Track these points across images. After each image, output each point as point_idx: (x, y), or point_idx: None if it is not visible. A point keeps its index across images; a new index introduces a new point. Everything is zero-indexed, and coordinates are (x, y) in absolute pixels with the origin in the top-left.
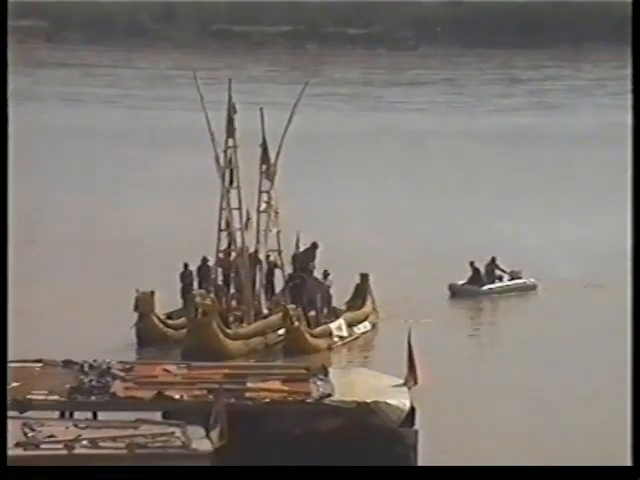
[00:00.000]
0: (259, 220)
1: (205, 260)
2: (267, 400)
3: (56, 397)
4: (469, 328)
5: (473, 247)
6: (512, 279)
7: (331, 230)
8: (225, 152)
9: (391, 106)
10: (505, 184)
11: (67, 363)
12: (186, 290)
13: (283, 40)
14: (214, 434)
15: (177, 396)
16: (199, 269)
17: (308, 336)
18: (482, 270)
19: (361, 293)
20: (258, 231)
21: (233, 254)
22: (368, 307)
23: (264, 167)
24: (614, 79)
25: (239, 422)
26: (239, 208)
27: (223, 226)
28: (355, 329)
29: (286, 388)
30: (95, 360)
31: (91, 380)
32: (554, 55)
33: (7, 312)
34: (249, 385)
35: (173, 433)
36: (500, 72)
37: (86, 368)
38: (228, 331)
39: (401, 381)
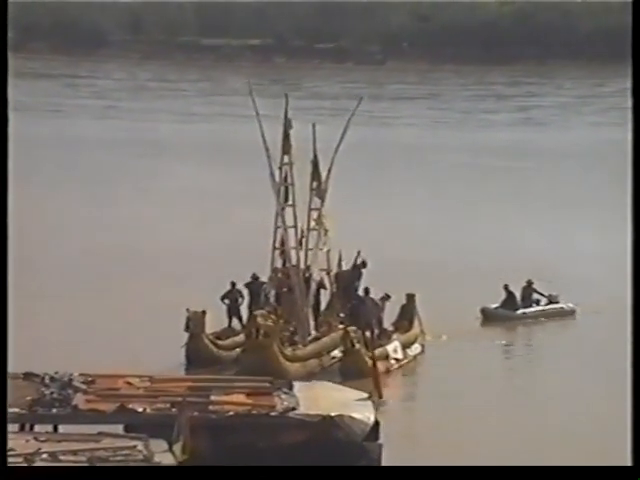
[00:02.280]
0: (308, 239)
1: (255, 277)
2: (231, 413)
3: (16, 410)
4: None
5: (509, 268)
6: (549, 303)
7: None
8: (280, 169)
9: (381, 120)
10: (546, 198)
11: (28, 375)
12: (232, 309)
13: (251, 53)
14: (177, 447)
15: (140, 409)
16: (248, 286)
17: (368, 359)
18: (518, 293)
19: (408, 314)
20: (306, 250)
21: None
22: (416, 328)
23: (314, 184)
24: (599, 96)
25: (203, 435)
26: (294, 226)
27: (277, 244)
28: (408, 351)
29: (250, 401)
30: (56, 372)
31: (52, 392)
32: (526, 71)
33: (7, 313)
34: (213, 398)
35: (135, 446)
36: (480, 88)
37: (47, 380)
38: (287, 353)
39: (366, 395)
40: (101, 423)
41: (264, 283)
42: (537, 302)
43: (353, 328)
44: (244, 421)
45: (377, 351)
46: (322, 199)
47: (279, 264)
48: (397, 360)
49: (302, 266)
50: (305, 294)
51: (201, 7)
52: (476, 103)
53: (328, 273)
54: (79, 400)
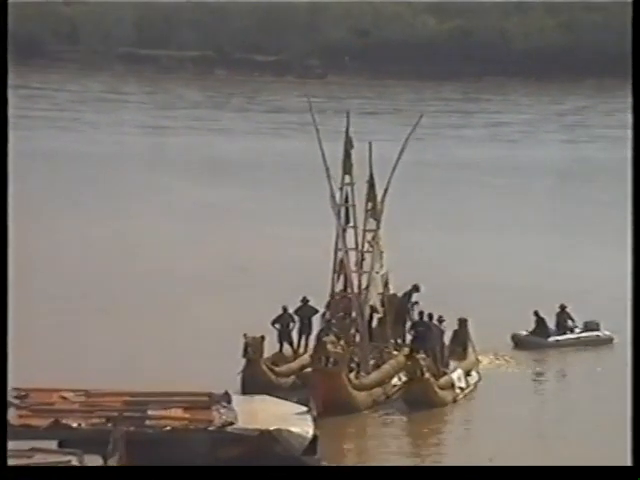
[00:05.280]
0: (362, 261)
1: (306, 301)
2: (168, 428)
3: None
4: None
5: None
6: (586, 330)
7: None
8: (341, 189)
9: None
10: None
11: None
12: (283, 334)
13: (191, 65)
14: (112, 462)
15: (74, 424)
16: (297, 311)
17: (437, 388)
18: (552, 320)
19: (461, 339)
20: (360, 274)
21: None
22: (471, 355)
23: (370, 205)
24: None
25: (139, 450)
26: (356, 248)
27: (337, 267)
28: (470, 379)
29: (188, 416)
30: None
31: None
32: (475, 88)
33: (7, 314)
34: (150, 413)
35: (69, 462)
36: (439, 103)
37: None
38: (355, 382)
39: (305, 409)
40: (34, 439)
41: (313, 307)
42: (572, 329)
43: (422, 355)
44: (181, 436)
45: (443, 380)
46: (378, 220)
47: (337, 288)
48: (461, 389)
49: (358, 290)
50: (367, 320)
51: (140, 18)
52: (440, 119)
53: (383, 297)
54: (11, 415)
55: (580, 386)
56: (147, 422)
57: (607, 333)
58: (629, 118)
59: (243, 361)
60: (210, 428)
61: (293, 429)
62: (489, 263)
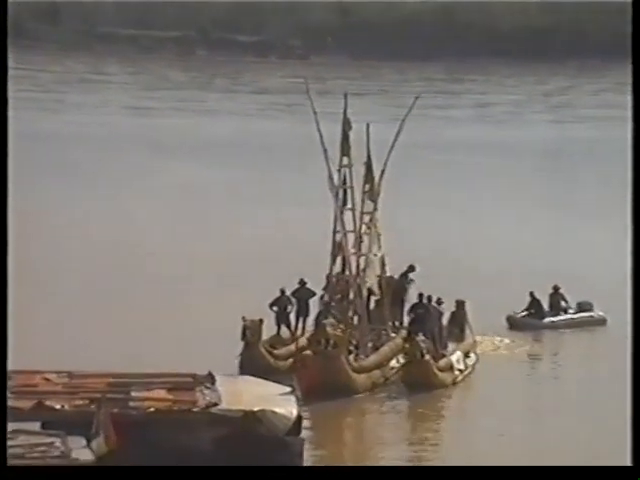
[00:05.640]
0: (361, 244)
1: (303, 283)
2: (152, 409)
3: None
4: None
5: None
6: (580, 311)
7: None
8: (339, 171)
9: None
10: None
11: None
12: (281, 317)
13: (172, 45)
14: (95, 444)
15: (58, 406)
16: (294, 294)
17: (436, 370)
18: (545, 301)
19: (458, 321)
20: (358, 256)
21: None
22: (469, 337)
23: (367, 187)
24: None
25: (123, 431)
26: (354, 230)
27: (336, 249)
28: (468, 361)
29: (171, 397)
30: None
31: None
32: (461, 68)
33: (7, 314)
34: (133, 394)
35: (52, 443)
36: (424, 84)
37: None
38: (354, 364)
39: (288, 389)
40: (18, 421)
41: (310, 290)
42: (565, 310)
43: (422, 338)
44: (165, 417)
45: (442, 362)
46: (375, 202)
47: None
48: (460, 371)
49: (356, 272)
50: (365, 302)
51: None
52: (426, 100)
53: (380, 279)
54: None
55: (577, 367)
56: (130, 404)
57: (600, 314)
58: (614, 98)
59: (241, 344)
60: (194, 409)
61: (277, 410)
62: (477, 244)
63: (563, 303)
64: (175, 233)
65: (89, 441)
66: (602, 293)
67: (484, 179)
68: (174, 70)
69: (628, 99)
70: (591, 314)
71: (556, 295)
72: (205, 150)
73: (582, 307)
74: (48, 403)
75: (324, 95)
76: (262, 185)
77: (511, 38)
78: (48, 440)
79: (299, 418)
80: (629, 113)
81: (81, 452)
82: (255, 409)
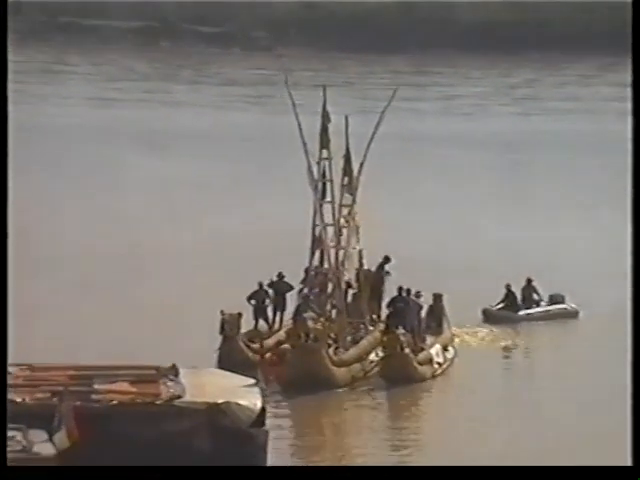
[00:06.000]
0: (340, 237)
1: (281, 277)
2: (115, 402)
3: None
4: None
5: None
6: (552, 304)
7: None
8: (319, 164)
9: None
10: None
11: None
12: (259, 310)
13: (134, 36)
14: (57, 437)
15: (19, 399)
16: (271, 285)
17: (416, 364)
18: (519, 294)
19: (436, 314)
20: (338, 249)
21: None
22: (447, 331)
23: (346, 180)
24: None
25: (86, 425)
26: (334, 224)
27: (317, 243)
28: (447, 354)
29: (134, 390)
30: None
31: None
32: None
33: (7, 313)
34: (96, 387)
35: (14, 437)
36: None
37: None
38: (334, 358)
39: (252, 381)
40: None
41: (288, 283)
42: (537, 303)
43: (402, 331)
44: (128, 410)
45: (422, 355)
46: (353, 195)
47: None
48: (439, 364)
49: (335, 265)
50: (344, 295)
51: None
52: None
53: (358, 273)
54: None
55: (554, 358)
56: (93, 396)
57: (573, 306)
58: (578, 91)
59: (220, 338)
60: (157, 402)
61: (241, 402)
62: (443, 237)
63: (535, 296)
64: (143, 226)
65: (51, 435)
66: (574, 285)
67: (454, 172)
68: (138, 61)
69: (591, 91)
70: (564, 306)
71: (529, 288)
72: (173, 142)
73: (554, 299)
74: (9, 396)
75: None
76: (233, 177)
77: (474, 31)
78: (9, 434)
79: (263, 410)
80: (594, 105)
81: (43, 446)
82: (219, 401)
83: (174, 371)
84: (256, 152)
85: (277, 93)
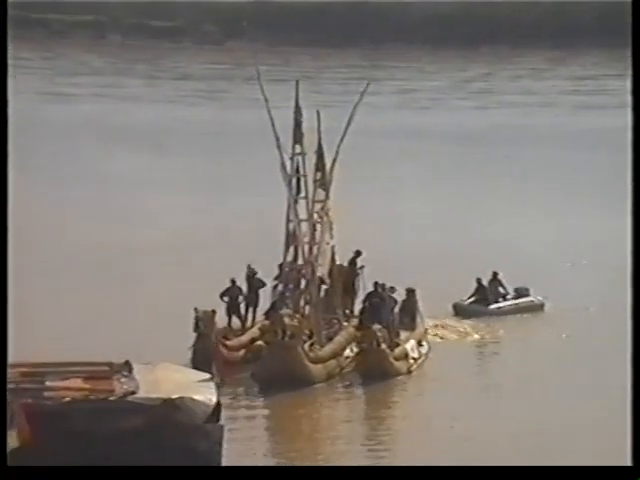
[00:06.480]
0: (313, 232)
1: (253, 272)
2: (68, 399)
3: None
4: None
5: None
6: (518, 297)
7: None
8: (292, 159)
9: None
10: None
11: None
12: (232, 307)
13: (83, 30)
14: (10, 436)
15: None
16: (247, 280)
17: (392, 359)
18: (487, 287)
19: (409, 309)
20: (312, 245)
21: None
22: (420, 326)
23: (318, 175)
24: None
25: (39, 422)
26: (309, 219)
27: (291, 239)
28: (421, 349)
29: (88, 386)
30: None
31: None
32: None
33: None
34: (48, 384)
35: None
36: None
37: None
38: (311, 355)
39: (207, 376)
40: None
41: (260, 280)
42: (504, 296)
43: (378, 327)
44: (82, 407)
45: (397, 350)
46: (326, 191)
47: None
48: (414, 359)
49: (309, 261)
50: (318, 291)
51: None
52: (349, 86)
53: (331, 268)
54: None
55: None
56: (45, 394)
57: (540, 298)
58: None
59: (193, 335)
60: (111, 398)
61: (196, 397)
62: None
63: (501, 289)
64: (99, 224)
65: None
66: (539, 278)
67: (415, 164)
68: (90, 55)
69: (545, 85)
70: (531, 299)
71: (494, 281)
72: (130, 137)
73: (520, 293)
74: None
75: (247, 81)
76: (192, 173)
77: (426, 26)
78: None
79: (218, 405)
80: (549, 99)
81: None
82: (174, 396)
83: (128, 367)
84: (210, 146)
85: (231, 88)
